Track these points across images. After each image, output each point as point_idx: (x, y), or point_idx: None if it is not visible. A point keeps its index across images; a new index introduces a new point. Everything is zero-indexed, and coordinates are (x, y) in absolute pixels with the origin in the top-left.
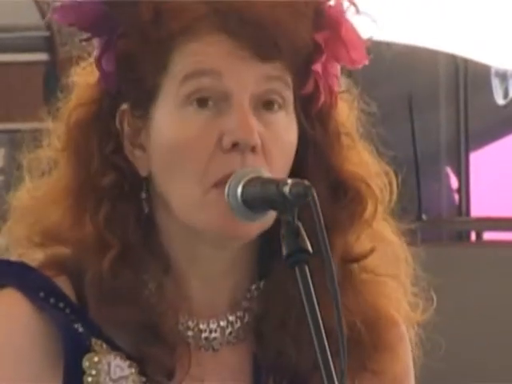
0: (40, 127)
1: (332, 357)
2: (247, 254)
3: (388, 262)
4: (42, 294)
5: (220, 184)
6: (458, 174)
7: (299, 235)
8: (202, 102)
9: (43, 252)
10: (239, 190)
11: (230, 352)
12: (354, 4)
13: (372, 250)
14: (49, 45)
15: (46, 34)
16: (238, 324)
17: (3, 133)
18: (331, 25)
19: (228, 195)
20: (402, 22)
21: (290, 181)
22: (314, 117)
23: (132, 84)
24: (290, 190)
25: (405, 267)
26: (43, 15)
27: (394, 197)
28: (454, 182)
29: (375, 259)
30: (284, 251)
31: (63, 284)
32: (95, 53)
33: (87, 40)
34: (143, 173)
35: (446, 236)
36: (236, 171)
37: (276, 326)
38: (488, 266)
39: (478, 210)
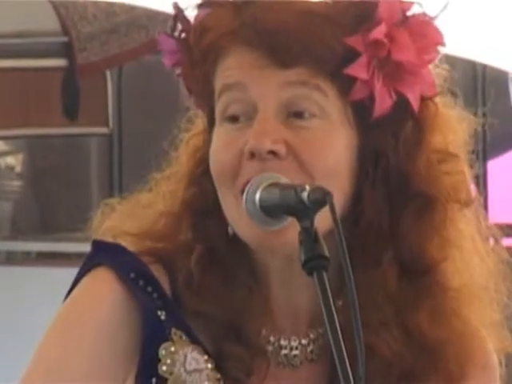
0: (56, 133)
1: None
2: None
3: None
4: (132, 275)
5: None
6: (476, 181)
7: (317, 241)
8: (234, 119)
9: (142, 244)
10: (257, 196)
11: (308, 369)
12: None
13: (444, 258)
14: (66, 50)
15: (64, 39)
16: (320, 341)
17: (21, 138)
18: (371, 27)
19: (246, 201)
20: None
21: (308, 187)
22: (374, 126)
23: (204, 109)
24: (309, 196)
25: (495, 282)
26: (61, 20)
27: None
28: (472, 189)
29: (452, 270)
30: (302, 257)
31: (157, 271)
32: None
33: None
34: None
35: None
36: (254, 177)
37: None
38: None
39: (496, 217)
